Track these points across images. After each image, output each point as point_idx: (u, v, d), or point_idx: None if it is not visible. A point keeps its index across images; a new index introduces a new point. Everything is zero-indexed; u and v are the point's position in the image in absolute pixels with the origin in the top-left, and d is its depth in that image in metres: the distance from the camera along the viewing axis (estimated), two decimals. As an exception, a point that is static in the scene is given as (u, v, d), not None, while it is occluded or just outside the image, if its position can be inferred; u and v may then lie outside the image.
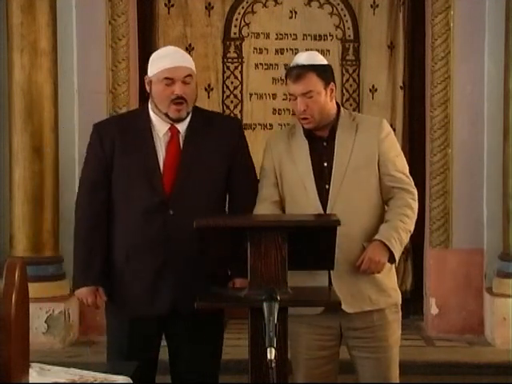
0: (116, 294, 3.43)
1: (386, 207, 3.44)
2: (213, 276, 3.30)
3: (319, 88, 3.34)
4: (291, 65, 3.40)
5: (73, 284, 3.51)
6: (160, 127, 3.40)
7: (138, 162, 3.37)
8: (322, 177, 3.37)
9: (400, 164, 3.44)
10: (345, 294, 3.25)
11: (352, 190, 3.34)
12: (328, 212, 3.32)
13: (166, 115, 3.36)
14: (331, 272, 3.29)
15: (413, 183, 3.45)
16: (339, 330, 3.41)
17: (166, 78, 3.33)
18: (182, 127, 3.40)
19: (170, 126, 3.39)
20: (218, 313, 3.46)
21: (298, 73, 3.34)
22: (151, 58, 3.44)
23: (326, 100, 3.37)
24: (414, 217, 3.41)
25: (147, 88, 3.43)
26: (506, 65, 5.61)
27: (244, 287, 3.04)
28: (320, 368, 3.42)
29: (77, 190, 3.56)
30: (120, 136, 3.40)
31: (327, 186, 3.35)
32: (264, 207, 3.41)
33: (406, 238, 3.37)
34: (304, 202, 3.36)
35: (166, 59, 3.37)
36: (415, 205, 3.41)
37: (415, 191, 3.44)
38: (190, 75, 3.38)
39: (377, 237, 3.31)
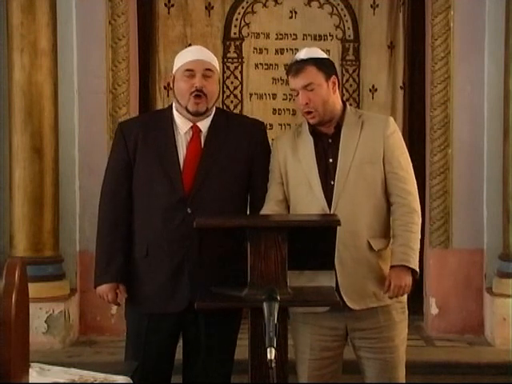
0: (135, 290, 3.46)
1: (389, 205, 3.45)
2: (228, 275, 3.30)
3: (320, 80, 3.35)
4: (291, 61, 3.42)
5: (94, 280, 3.53)
6: (182, 125, 3.45)
7: (158, 159, 3.41)
8: (327, 173, 3.38)
9: (404, 163, 3.44)
10: (350, 290, 3.27)
11: (357, 186, 3.35)
12: (333, 208, 3.32)
13: (187, 109, 3.41)
14: (337, 268, 3.30)
15: (415, 183, 3.46)
16: (345, 331, 3.41)
17: (187, 70, 3.39)
18: (204, 126, 3.44)
19: (192, 124, 3.43)
20: (236, 312, 3.46)
21: (297, 67, 3.36)
22: (176, 57, 3.52)
23: (329, 93, 3.38)
24: (420, 220, 3.42)
25: (172, 86, 3.49)
26: (506, 65, 5.61)
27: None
28: (325, 369, 3.42)
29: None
30: (143, 134, 3.45)
31: (332, 183, 3.36)
32: (269, 207, 3.43)
33: (418, 245, 3.39)
34: (309, 199, 3.37)
35: (188, 54, 3.48)
36: (418, 207, 3.42)
37: (416, 193, 3.44)
38: (210, 69, 3.42)
39: (396, 262, 3.32)
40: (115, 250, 3.44)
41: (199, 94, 3.37)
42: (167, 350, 3.47)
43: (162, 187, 3.40)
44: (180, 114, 3.45)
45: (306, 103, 3.34)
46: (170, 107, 3.53)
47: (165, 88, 6.04)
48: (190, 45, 6.11)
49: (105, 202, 3.51)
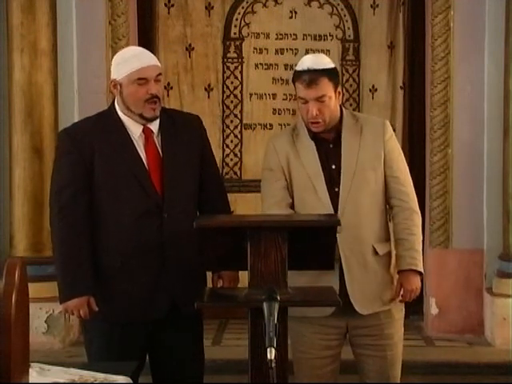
0: (106, 301, 3.33)
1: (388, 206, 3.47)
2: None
3: (331, 92, 3.35)
4: (300, 68, 3.36)
5: (60, 296, 3.34)
6: (133, 129, 3.36)
7: (123, 164, 3.31)
8: (331, 179, 3.38)
9: (403, 165, 3.48)
10: (358, 295, 3.29)
11: (361, 192, 3.36)
12: (339, 215, 3.30)
13: (141, 116, 3.33)
14: (345, 274, 3.32)
15: (412, 184, 3.49)
16: (345, 329, 3.42)
17: (140, 79, 3.28)
18: (154, 127, 3.37)
19: (142, 127, 3.36)
20: (199, 312, 3.41)
21: (310, 78, 3.31)
22: (116, 61, 3.38)
23: (336, 103, 3.39)
24: (420, 221, 3.46)
25: (113, 91, 3.37)
26: (506, 65, 5.61)
27: (235, 284, 3.09)
28: (325, 367, 3.43)
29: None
30: (97, 140, 3.33)
31: (336, 189, 3.37)
32: (281, 211, 3.39)
33: (421, 246, 3.45)
34: (315, 205, 3.36)
35: (134, 60, 3.32)
36: (417, 208, 3.46)
37: (414, 194, 3.47)
38: (160, 73, 3.35)
39: (405, 267, 3.38)
40: (82, 262, 3.28)
41: (155, 99, 3.30)
42: (138, 356, 3.33)
43: (133, 193, 3.30)
44: (129, 117, 3.35)
45: (316, 114, 3.33)
46: (113, 110, 3.40)
47: (165, 88, 6.04)
48: (189, 45, 6.14)
49: (65, 214, 3.31)
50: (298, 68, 3.38)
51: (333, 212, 3.34)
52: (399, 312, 3.47)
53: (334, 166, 3.39)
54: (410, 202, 3.43)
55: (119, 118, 3.37)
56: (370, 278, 3.36)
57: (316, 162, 3.39)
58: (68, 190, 3.32)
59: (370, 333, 3.40)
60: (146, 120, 3.34)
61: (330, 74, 3.35)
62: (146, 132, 3.36)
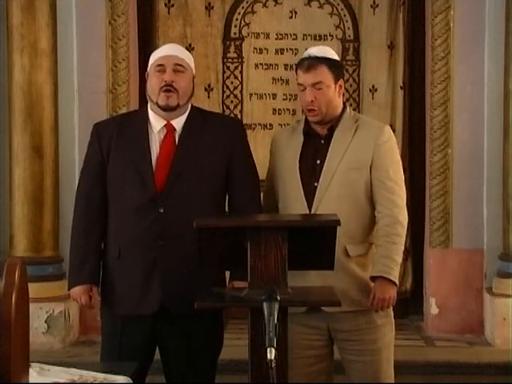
0: (109, 292, 3.41)
1: (375, 212, 3.41)
2: (209, 276, 3.29)
3: (329, 81, 3.36)
4: (303, 56, 3.42)
5: (68, 283, 3.47)
6: (156, 124, 3.39)
7: (131, 159, 3.36)
8: (313, 174, 3.37)
9: (394, 173, 3.40)
10: None
11: (340, 191, 3.34)
12: (313, 210, 3.33)
13: (158, 105, 3.35)
14: (313, 272, 3.28)
15: (404, 195, 3.42)
16: (328, 331, 3.41)
17: (158, 65, 3.35)
18: (178, 124, 3.39)
19: (165, 122, 3.38)
20: (215, 312, 3.43)
21: (309, 63, 3.35)
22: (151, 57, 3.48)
23: (335, 95, 3.39)
24: (404, 232, 3.38)
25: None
26: (506, 65, 5.61)
27: (244, 287, 3.05)
28: (309, 367, 3.41)
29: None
30: (117, 134, 3.40)
31: (316, 184, 3.36)
32: (266, 203, 3.49)
33: (400, 257, 3.37)
34: (292, 198, 3.38)
35: (160, 51, 3.46)
36: (403, 218, 3.37)
37: (403, 204, 3.39)
38: (181, 65, 3.38)
39: (376, 273, 3.32)
40: (88, 253, 3.38)
41: (169, 88, 3.32)
42: (142, 353, 3.37)
43: (133, 187, 3.34)
44: (154, 111, 3.40)
45: (312, 101, 3.34)
46: (146, 105, 3.48)
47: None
48: (189, 45, 6.15)
49: (80, 204, 3.45)
50: (302, 56, 3.43)
51: (306, 205, 3.33)
52: (382, 318, 3.40)
53: (318, 162, 3.39)
54: (393, 209, 3.34)
55: (147, 114, 3.43)
56: (338, 278, 3.27)
57: (296, 155, 3.40)
58: (85, 181, 3.46)
59: (350, 338, 3.38)
60: (162, 109, 3.36)
61: (330, 63, 3.38)
62: (168, 128, 3.39)
